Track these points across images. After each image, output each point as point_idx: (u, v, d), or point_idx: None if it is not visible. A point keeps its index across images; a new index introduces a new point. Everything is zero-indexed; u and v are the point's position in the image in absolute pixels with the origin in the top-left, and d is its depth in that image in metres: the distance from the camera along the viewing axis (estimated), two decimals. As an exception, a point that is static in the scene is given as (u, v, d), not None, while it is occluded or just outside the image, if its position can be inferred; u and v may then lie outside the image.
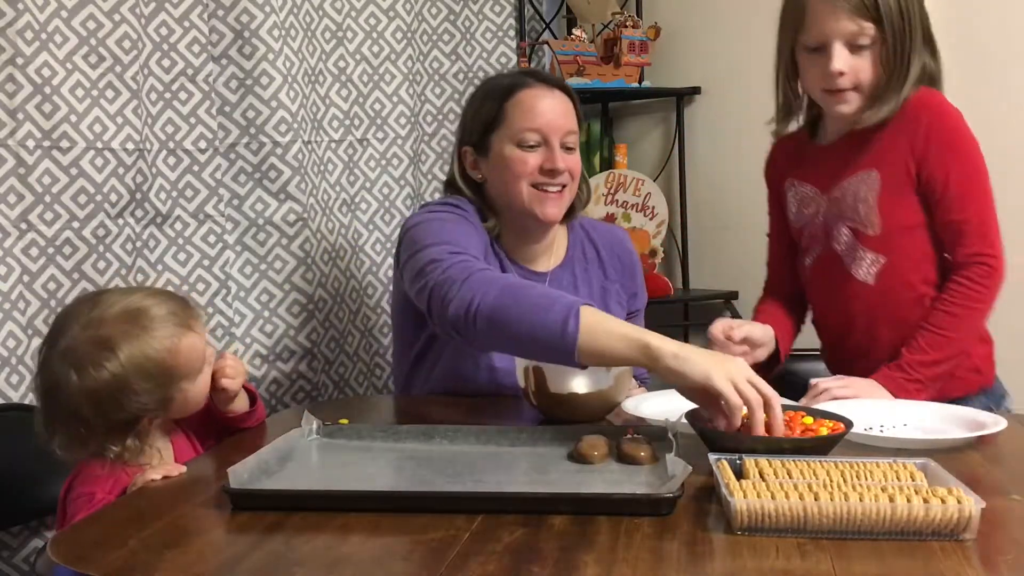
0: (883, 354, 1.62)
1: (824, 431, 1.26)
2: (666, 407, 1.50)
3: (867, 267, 1.66)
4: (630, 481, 1.19)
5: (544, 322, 1.37)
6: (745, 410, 1.25)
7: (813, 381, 1.55)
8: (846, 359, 1.71)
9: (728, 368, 1.27)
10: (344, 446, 1.39)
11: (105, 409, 1.32)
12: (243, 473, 1.18)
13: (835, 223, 1.68)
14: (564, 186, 1.75)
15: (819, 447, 1.22)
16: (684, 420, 1.32)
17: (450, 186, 1.86)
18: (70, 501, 1.33)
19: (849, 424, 1.28)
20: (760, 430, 1.24)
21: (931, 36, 1.62)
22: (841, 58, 1.57)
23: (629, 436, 1.30)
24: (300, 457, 1.34)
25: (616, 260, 1.91)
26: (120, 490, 1.31)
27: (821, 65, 1.60)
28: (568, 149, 1.75)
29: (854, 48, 1.58)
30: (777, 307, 1.81)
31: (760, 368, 1.55)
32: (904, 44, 1.57)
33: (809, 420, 1.30)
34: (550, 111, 1.73)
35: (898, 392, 1.55)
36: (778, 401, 1.26)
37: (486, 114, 1.77)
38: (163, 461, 1.38)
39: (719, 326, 1.64)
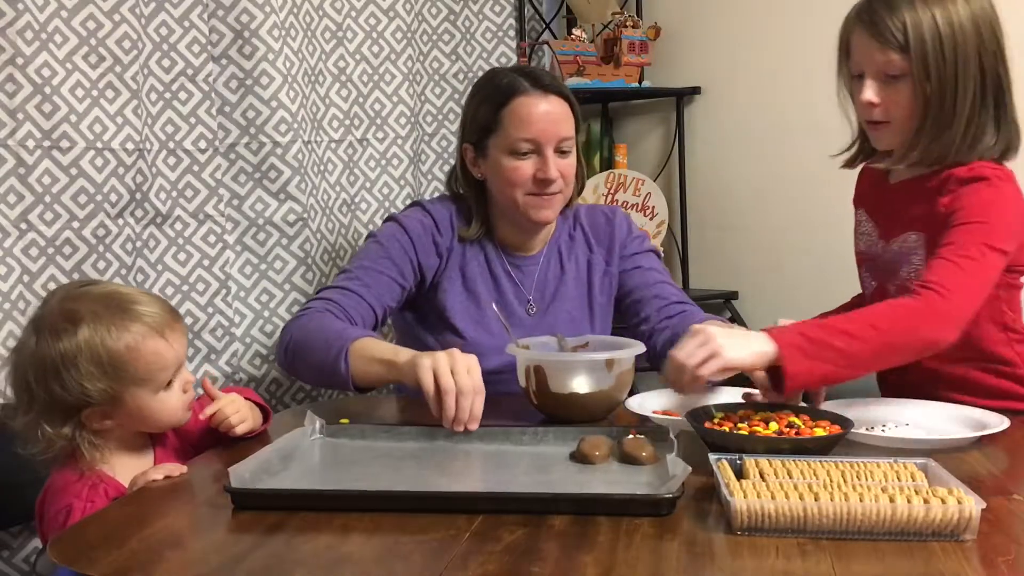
0: (937, 386, 1.56)
1: (820, 432, 1.26)
2: (669, 407, 1.50)
3: None
4: (630, 481, 1.19)
5: (326, 362, 1.60)
6: None
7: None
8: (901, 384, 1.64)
9: (433, 362, 1.42)
10: (347, 445, 1.39)
11: (48, 381, 1.30)
12: (245, 472, 1.18)
13: (891, 273, 1.62)
14: (558, 191, 1.79)
15: (820, 447, 1.22)
16: (685, 419, 1.32)
17: (450, 180, 1.93)
18: (48, 520, 1.31)
19: (849, 424, 1.28)
20: (449, 417, 1.38)
21: (1003, 98, 1.52)
22: (871, 89, 1.51)
23: (631, 436, 1.30)
24: (303, 457, 1.34)
25: (598, 231, 1.94)
26: (99, 497, 1.29)
27: (859, 95, 1.55)
28: (562, 153, 1.78)
29: (888, 80, 1.50)
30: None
31: None
32: (945, 85, 1.47)
33: (797, 421, 1.30)
34: (544, 119, 1.75)
35: (784, 346, 1.32)
36: (473, 393, 1.39)
37: (483, 118, 1.80)
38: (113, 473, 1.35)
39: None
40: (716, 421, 1.32)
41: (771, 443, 1.22)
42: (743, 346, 1.34)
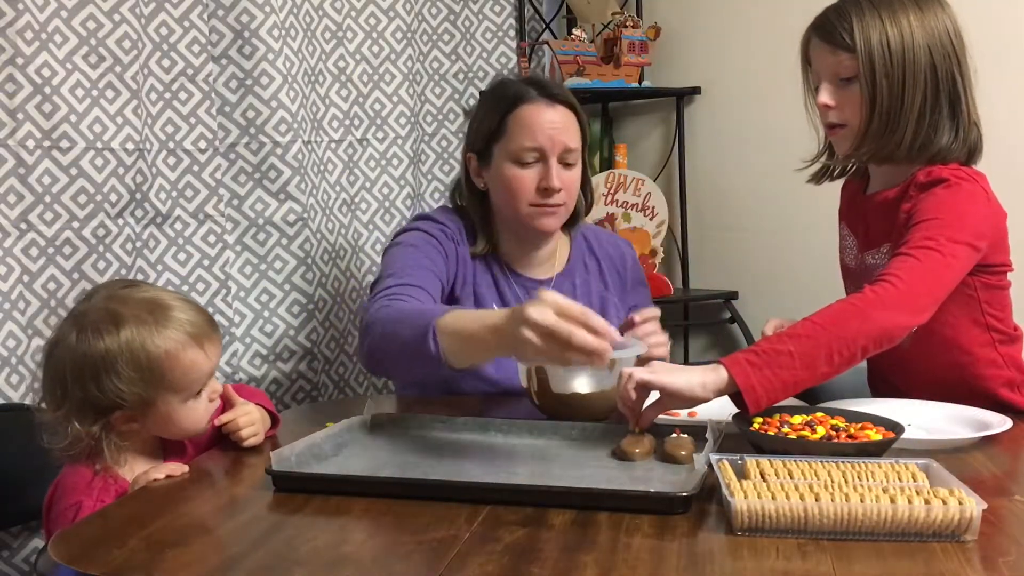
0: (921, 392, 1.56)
1: (872, 434, 1.26)
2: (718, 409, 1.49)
3: None
4: (659, 479, 1.19)
5: (415, 350, 1.41)
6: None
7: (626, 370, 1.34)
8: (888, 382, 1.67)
9: (526, 322, 1.20)
10: (402, 435, 1.42)
11: (85, 379, 1.31)
12: (291, 455, 1.23)
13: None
14: (561, 203, 1.77)
15: (880, 449, 1.22)
16: (730, 420, 1.31)
17: (454, 192, 1.91)
18: (56, 515, 1.31)
19: (899, 428, 1.27)
20: (582, 349, 1.18)
21: (959, 99, 1.52)
22: (826, 92, 1.55)
23: (674, 435, 1.29)
24: (355, 445, 1.38)
25: (615, 274, 1.93)
26: (109, 497, 1.29)
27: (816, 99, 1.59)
28: (567, 165, 1.76)
29: (841, 83, 1.54)
30: None
31: None
32: (893, 84, 1.50)
33: (838, 423, 1.30)
34: (549, 127, 1.74)
35: (730, 363, 1.30)
36: (583, 316, 1.19)
37: (489, 124, 1.78)
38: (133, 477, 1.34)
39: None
40: (758, 426, 1.31)
41: (836, 447, 1.21)
42: (680, 374, 1.30)
